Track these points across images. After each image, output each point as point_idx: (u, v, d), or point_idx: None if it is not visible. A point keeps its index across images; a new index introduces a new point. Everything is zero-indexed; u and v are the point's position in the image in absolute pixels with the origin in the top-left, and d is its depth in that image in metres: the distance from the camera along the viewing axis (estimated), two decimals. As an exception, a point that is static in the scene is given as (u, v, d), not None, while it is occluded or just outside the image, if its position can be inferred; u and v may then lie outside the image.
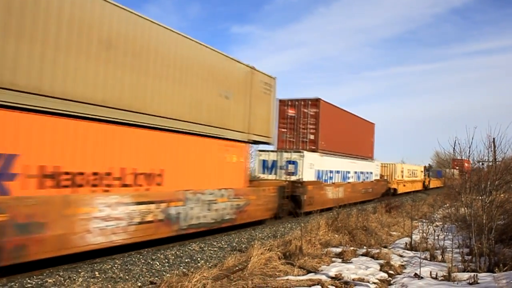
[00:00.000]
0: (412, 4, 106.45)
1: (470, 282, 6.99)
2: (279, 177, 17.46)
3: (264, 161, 18.23)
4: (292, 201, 16.33)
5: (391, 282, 7.39)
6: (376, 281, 7.32)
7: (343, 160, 22.07)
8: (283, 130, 19.33)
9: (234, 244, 10.95)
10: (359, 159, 25.05)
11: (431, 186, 46.77)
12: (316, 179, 18.67)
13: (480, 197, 9.84)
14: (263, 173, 18.12)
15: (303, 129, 19.04)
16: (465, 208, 10.33)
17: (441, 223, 14.97)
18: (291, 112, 19.32)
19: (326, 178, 19.89)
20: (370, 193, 26.34)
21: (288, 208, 16.06)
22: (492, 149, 11.36)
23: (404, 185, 35.13)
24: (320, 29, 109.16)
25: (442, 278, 7.34)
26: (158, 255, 9.05)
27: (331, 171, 20.49)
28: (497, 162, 12.11)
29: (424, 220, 15.65)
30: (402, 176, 35.10)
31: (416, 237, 11.59)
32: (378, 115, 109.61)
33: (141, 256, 8.83)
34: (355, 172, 24.12)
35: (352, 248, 9.90)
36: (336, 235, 11.65)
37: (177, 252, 9.45)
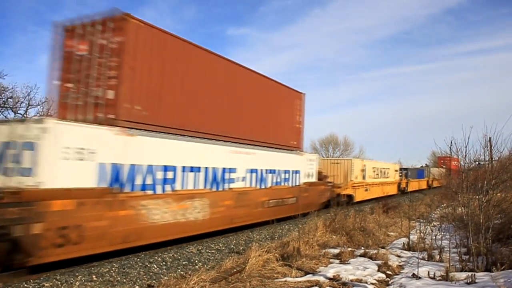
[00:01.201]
0: (406, 5, 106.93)
1: (468, 281, 7.00)
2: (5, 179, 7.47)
3: None
4: None
5: (389, 282, 7.39)
6: (374, 281, 7.32)
7: (210, 147, 11.58)
8: (66, 85, 9.60)
9: (232, 246, 10.93)
10: (266, 149, 14.47)
11: (410, 188, 38.48)
12: (107, 185, 8.44)
13: (477, 197, 9.86)
14: None
15: (98, 79, 9.22)
16: (462, 208, 10.35)
17: (438, 223, 15.01)
18: (82, 48, 9.49)
19: (149, 183, 9.49)
20: (291, 206, 15.75)
21: None
22: (489, 149, 11.39)
23: (366, 190, 26.11)
24: (316, 30, 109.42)
25: (440, 278, 7.35)
26: (156, 257, 9.02)
27: (168, 168, 10.04)
28: (494, 161, 12.15)
29: (421, 220, 15.67)
30: (364, 177, 25.91)
31: (414, 237, 11.60)
32: (375, 115, 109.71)
33: (138, 259, 8.80)
34: (252, 171, 13.58)
35: (350, 249, 9.91)
36: (334, 236, 11.66)
37: (175, 255, 9.43)
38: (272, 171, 14.86)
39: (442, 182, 47.45)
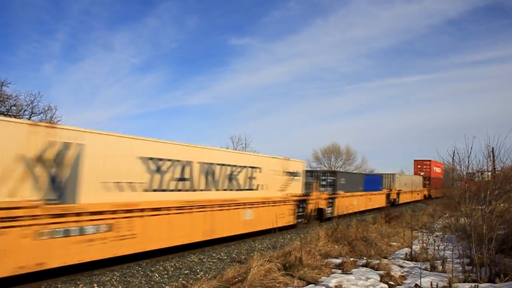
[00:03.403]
0: (407, 16, 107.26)
1: (471, 292, 6.95)
2: None
3: None
4: None
5: (392, 293, 7.33)
6: (377, 292, 7.26)
7: None
8: None
9: (234, 255, 10.89)
10: None
11: (341, 210, 20.34)
12: None
13: (480, 207, 9.82)
14: None
15: None
16: (465, 218, 10.31)
17: (441, 233, 14.92)
18: None
19: None
20: None
21: None
22: (491, 159, 11.36)
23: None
24: (318, 40, 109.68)
25: (443, 289, 7.29)
26: (157, 266, 9.00)
27: None
28: (496, 172, 12.11)
29: (424, 230, 15.59)
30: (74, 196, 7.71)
31: (416, 247, 11.54)
32: (377, 125, 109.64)
33: (140, 268, 8.77)
34: None
35: (352, 259, 9.85)
36: (336, 246, 11.60)
37: (176, 264, 9.40)
38: None
39: (409, 197, 34.19)
